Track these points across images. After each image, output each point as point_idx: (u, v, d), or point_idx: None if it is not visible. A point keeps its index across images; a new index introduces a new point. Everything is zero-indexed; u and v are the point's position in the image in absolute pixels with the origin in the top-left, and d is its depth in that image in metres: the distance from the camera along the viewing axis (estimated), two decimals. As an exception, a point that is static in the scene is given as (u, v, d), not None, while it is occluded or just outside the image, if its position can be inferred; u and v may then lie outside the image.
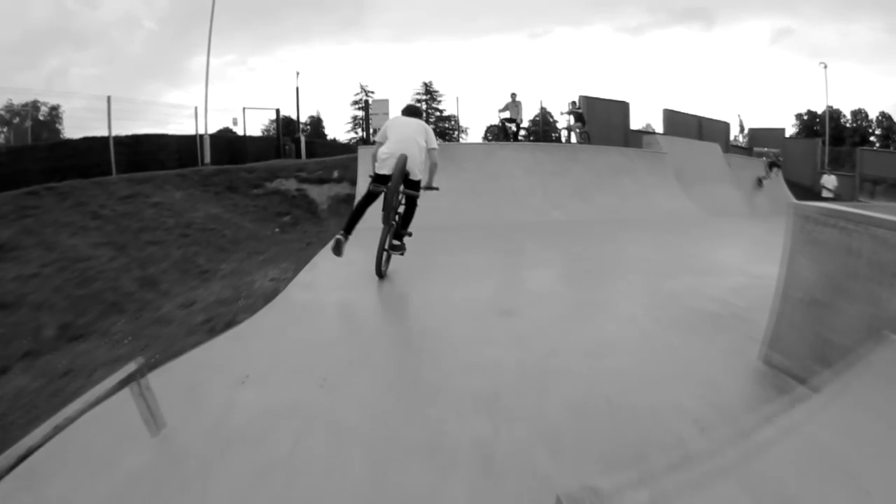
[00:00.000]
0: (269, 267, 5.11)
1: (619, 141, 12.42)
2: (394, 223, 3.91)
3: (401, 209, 4.06)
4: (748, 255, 5.63)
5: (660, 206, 9.27)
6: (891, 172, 16.95)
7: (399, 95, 53.14)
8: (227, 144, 14.31)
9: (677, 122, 14.82)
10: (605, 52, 57.22)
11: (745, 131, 21.51)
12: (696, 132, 15.02)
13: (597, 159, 9.70)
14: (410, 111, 4.25)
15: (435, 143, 4.08)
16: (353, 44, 56.31)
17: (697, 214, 9.48)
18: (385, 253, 3.96)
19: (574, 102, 11.68)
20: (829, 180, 13.69)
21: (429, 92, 37.74)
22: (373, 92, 32.87)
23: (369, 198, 3.93)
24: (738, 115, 21.05)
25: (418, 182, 3.98)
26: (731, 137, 19.28)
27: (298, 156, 14.36)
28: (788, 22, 57.06)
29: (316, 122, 34.78)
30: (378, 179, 3.84)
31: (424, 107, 34.49)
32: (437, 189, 4.21)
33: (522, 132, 11.17)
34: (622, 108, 13.91)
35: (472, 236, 6.51)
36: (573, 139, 11.89)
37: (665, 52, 56.99)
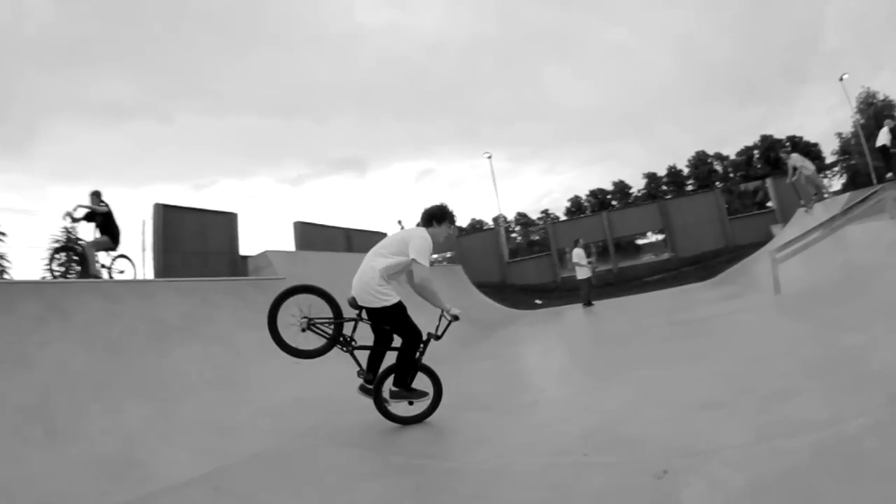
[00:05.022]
0: None
1: (224, 270, 11.65)
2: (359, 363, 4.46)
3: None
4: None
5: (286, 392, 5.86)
6: (634, 228, 23.89)
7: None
8: None
9: (316, 237, 14.92)
10: (267, 201, 75.63)
11: None
12: (344, 246, 15.77)
13: (121, 318, 6.05)
14: (421, 217, 4.62)
15: (416, 252, 4.15)
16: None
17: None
18: (387, 397, 4.39)
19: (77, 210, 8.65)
20: (580, 254, 14.69)
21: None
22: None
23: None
24: (399, 222, 19.35)
25: (385, 310, 4.20)
26: None
27: None
28: (429, 163, 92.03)
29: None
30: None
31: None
32: (456, 319, 4.30)
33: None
34: (226, 222, 12.57)
35: None
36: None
37: (325, 197, 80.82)
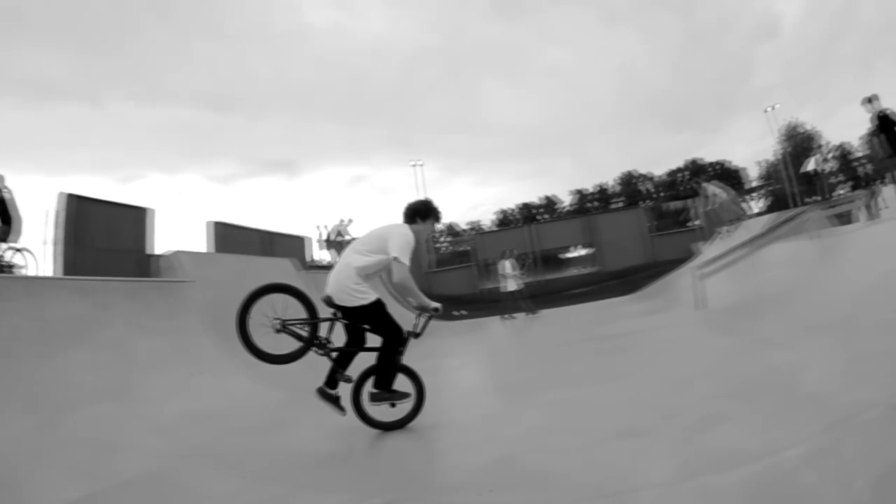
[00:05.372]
0: None
1: (132, 270, 10.92)
2: (331, 359, 4.33)
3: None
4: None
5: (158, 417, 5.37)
6: (560, 241, 24.19)
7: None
8: None
9: (234, 239, 14.76)
10: (196, 199, 72.74)
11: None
12: (261, 249, 15.78)
13: (8, 319, 5.66)
14: (404, 213, 4.56)
15: (397, 250, 4.09)
16: None
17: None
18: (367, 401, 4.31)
19: None
20: (509, 265, 14.82)
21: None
22: None
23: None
24: (324, 227, 21.01)
25: (363, 309, 4.14)
26: (312, 256, 21.17)
27: None
28: (362, 170, 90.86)
29: None
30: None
31: None
32: (437, 311, 4.38)
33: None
34: (138, 218, 11.99)
35: None
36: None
37: (254, 198, 78.21)
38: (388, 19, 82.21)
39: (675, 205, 30.28)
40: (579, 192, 61.76)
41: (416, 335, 4.38)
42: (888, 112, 8.62)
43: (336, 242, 20.97)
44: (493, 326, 13.59)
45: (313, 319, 4.32)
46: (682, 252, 18.03)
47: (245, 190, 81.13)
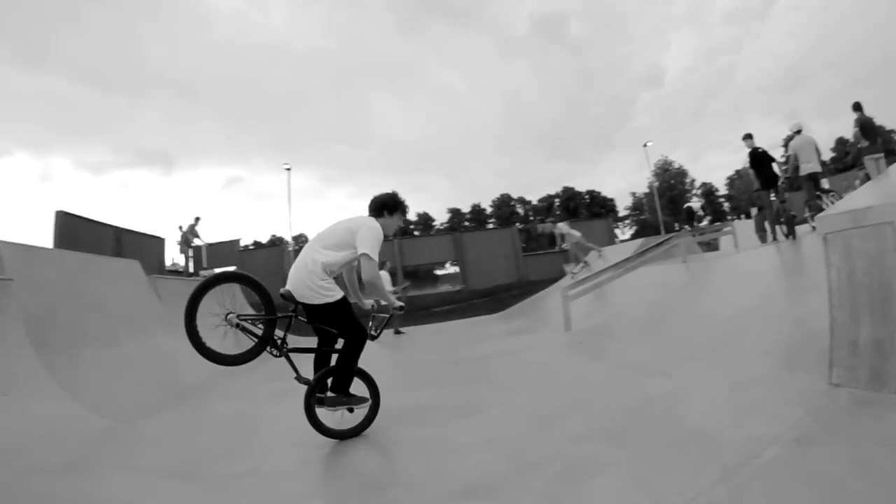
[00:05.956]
0: None
1: None
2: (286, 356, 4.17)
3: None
4: None
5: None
6: (427, 258, 24.82)
7: None
8: None
9: (83, 234, 14.22)
10: (65, 187, 72.34)
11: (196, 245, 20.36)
12: (113, 249, 15.15)
13: None
14: (370, 206, 4.43)
15: (367, 246, 4.01)
16: None
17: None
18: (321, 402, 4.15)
19: None
20: (384, 278, 14.41)
21: None
22: None
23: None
24: (180, 227, 18.70)
25: (327, 307, 4.00)
26: (171, 261, 20.32)
27: None
28: (238, 171, 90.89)
29: None
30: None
31: None
32: (401, 310, 4.38)
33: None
34: None
35: None
36: None
37: (123, 191, 76.55)
38: (289, 17, 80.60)
39: (546, 227, 31.59)
40: (455, 210, 63.65)
41: (374, 337, 4.32)
42: (762, 150, 9.27)
43: (188, 245, 19.07)
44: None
45: (271, 315, 4.13)
46: (554, 272, 18.50)
47: (115, 182, 78.74)
